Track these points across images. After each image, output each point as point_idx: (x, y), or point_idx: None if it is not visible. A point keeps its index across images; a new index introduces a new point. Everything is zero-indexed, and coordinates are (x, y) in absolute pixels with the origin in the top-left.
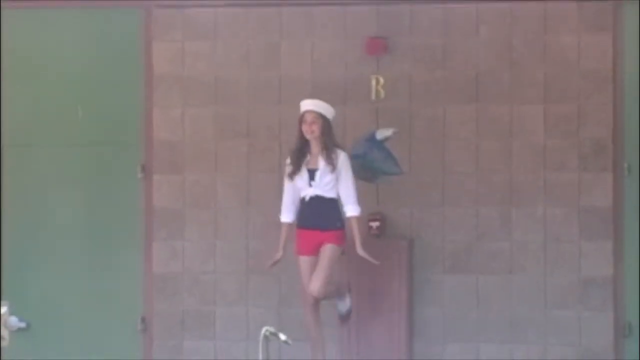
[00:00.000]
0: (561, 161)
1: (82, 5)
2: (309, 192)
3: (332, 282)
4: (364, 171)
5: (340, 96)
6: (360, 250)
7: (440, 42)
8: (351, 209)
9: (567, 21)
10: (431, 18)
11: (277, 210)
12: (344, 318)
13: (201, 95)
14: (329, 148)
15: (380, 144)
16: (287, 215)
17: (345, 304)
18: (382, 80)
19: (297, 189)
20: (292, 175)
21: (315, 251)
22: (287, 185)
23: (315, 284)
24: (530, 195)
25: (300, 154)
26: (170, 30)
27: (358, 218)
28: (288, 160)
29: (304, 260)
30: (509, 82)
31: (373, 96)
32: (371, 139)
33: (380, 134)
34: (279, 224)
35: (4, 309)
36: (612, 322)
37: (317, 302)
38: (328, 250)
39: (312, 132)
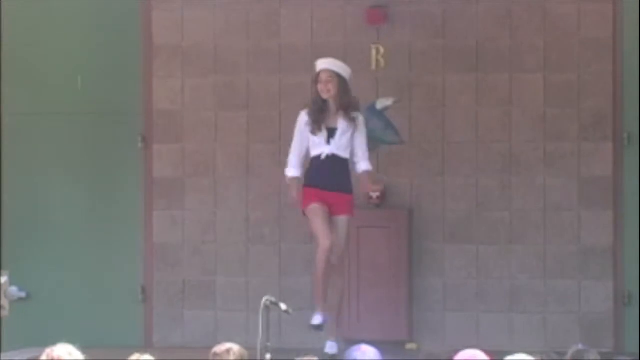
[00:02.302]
0: (561, 130)
1: None
2: (325, 151)
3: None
4: None
5: None
6: (366, 187)
7: (439, 10)
8: (366, 165)
9: None
10: None
11: (277, 179)
12: (315, 328)
13: (201, 65)
14: (346, 107)
15: (380, 114)
16: (295, 169)
17: (318, 318)
18: (382, 50)
19: (305, 144)
20: (315, 132)
21: (324, 204)
22: (298, 140)
23: (335, 255)
24: (530, 164)
25: (319, 112)
26: None
27: (370, 172)
28: (305, 115)
29: (316, 206)
30: (508, 51)
31: (373, 66)
32: (371, 108)
33: (381, 104)
34: (277, 193)
35: (4, 279)
36: (611, 290)
37: (331, 252)
38: (345, 222)
39: (328, 91)
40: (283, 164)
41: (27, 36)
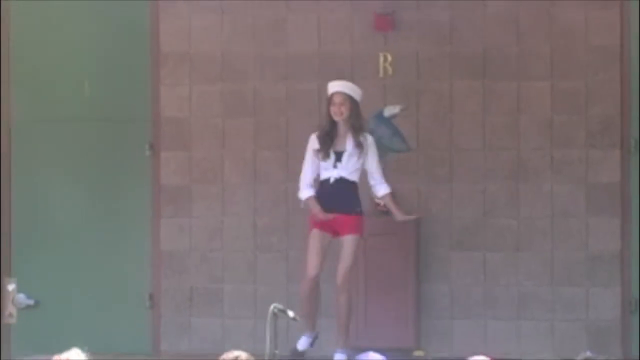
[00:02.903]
0: (568, 137)
1: None
2: (333, 174)
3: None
4: None
5: (347, 73)
6: (400, 217)
7: (447, 17)
8: (384, 187)
9: None
10: None
11: (284, 186)
12: (295, 354)
13: (208, 72)
14: (357, 130)
15: (387, 121)
16: (307, 190)
17: (302, 343)
18: (389, 57)
19: (316, 166)
20: (324, 158)
21: (329, 230)
22: (309, 162)
23: (340, 273)
24: (538, 171)
25: (328, 136)
26: (177, 7)
27: (391, 194)
28: (315, 139)
29: (316, 233)
30: (516, 58)
31: (381, 73)
32: (379, 116)
33: (388, 111)
34: (285, 200)
35: (12, 287)
36: (619, 297)
37: (316, 281)
38: (350, 241)
39: (340, 114)
40: (290, 171)
41: (35, 43)
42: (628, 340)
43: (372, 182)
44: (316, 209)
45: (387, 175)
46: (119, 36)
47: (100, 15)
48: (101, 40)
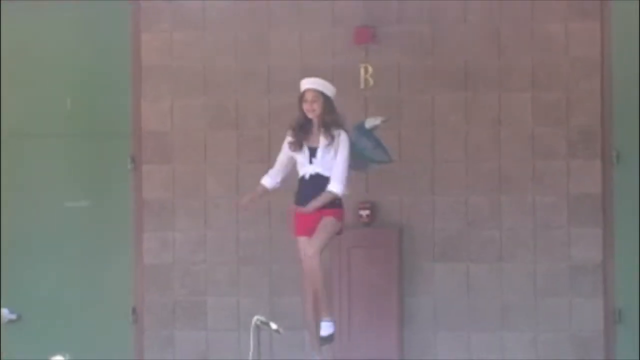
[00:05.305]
0: (550, 149)
1: None
2: (308, 170)
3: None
4: (353, 160)
5: None
6: (308, 208)
7: (428, 30)
8: (335, 186)
9: (554, 8)
10: (419, 6)
11: (267, 199)
12: (324, 341)
13: (190, 86)
14: (329, 126)
15: (369, 133)
16: (269, 180)
17: (327, 329)
18: (370, 69)
19: (289, 162)
20: (296, 150)
21: (312, 232)
22: (283, 154)
23: (309, 249)
24: (520, 183)
25: (302, 132)
26: (159, 21)
27: (333, 195)
28: (289, 137)
29: (302, 241)
30: (497, 70)
31: (362, 85)
32: (360, 127)
33: (369, 123)
34: (268, 213)
35: None
36: (602, 308)
37: (316, 296)
38: (327, 221)
39: (313, 111)
40: None
41: (17, 58)
42: (611, 350)
43: (331, 175)
44: (250, 195)
45: (369, 187)
46: (101, 50)
47: (82, 30)
48: (83, 54)
